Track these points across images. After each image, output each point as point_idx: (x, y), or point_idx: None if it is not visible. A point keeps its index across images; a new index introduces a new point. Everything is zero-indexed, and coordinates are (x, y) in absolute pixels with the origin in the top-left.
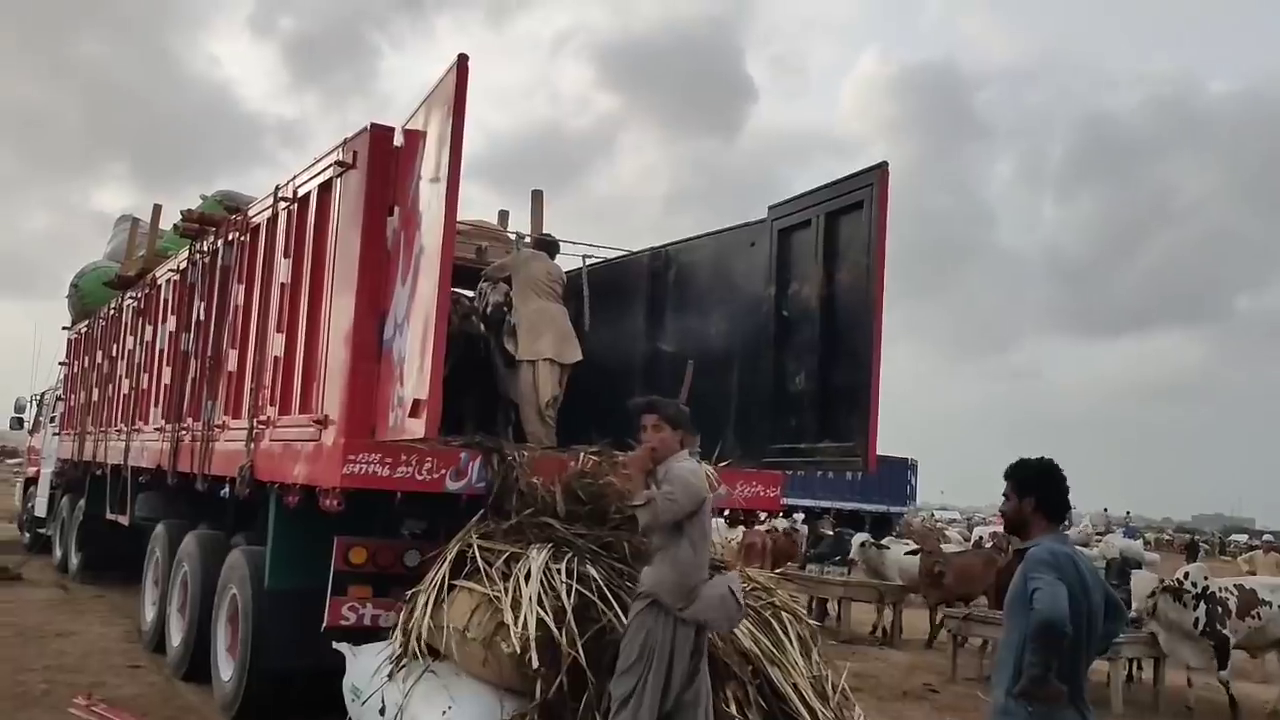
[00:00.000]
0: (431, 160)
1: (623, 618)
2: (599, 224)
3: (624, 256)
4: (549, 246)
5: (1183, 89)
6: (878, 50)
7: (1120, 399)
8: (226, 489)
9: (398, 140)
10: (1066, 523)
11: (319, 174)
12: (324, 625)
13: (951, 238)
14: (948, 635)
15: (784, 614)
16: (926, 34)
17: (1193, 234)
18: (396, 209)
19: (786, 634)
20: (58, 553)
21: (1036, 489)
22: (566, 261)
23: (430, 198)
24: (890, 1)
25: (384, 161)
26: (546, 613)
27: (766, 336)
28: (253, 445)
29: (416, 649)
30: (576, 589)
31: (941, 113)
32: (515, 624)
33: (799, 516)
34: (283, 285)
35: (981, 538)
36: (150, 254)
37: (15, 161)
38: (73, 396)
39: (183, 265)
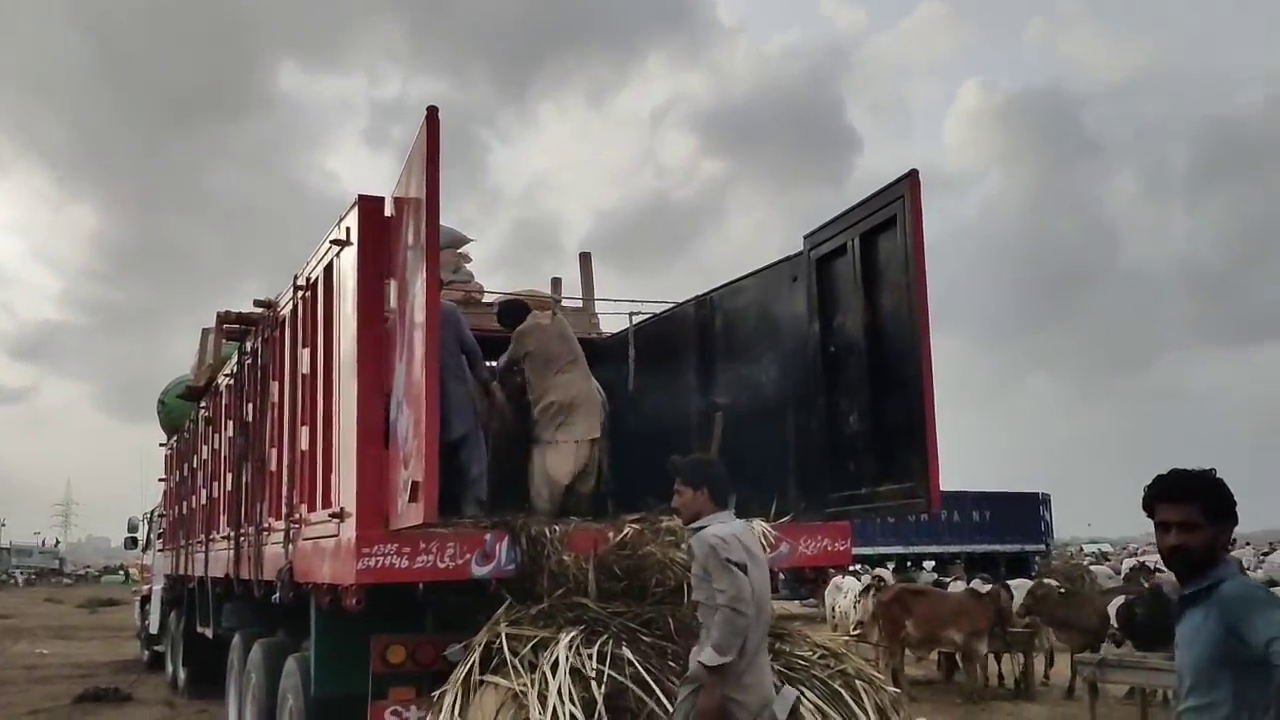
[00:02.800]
0: (414, 226)
1: (665, 703)
2: (711, 286)
3: (670, 310)
4: (519, 310)
5: None
6: (978, 82)
7: (1275, 406)
8: (276, 595)
9: (389, 210)
10: None
11: (322, 256)
12: None
13: (1077, 260)
14: (1082, 683)
15: (858, 682)
16: (1027, 59)
17: None
18: (392, 283)
19: (861, 704)
20: (169, 669)
21: (1230, 513)
22: (615, 321)
23: (415, 267)
24: (986, 32)
25: (376, 234)
26: (576, 706)
27: (816, 376)
28: (290, 546)
29: None
30: (609, 675)
31: (1052, 136)
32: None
33: (928, 565)
34: (304, 376)
35: (1133, 569)
36: (216, 362)
37: (158, 292)
38: (170, 512)
39: (234, 369)
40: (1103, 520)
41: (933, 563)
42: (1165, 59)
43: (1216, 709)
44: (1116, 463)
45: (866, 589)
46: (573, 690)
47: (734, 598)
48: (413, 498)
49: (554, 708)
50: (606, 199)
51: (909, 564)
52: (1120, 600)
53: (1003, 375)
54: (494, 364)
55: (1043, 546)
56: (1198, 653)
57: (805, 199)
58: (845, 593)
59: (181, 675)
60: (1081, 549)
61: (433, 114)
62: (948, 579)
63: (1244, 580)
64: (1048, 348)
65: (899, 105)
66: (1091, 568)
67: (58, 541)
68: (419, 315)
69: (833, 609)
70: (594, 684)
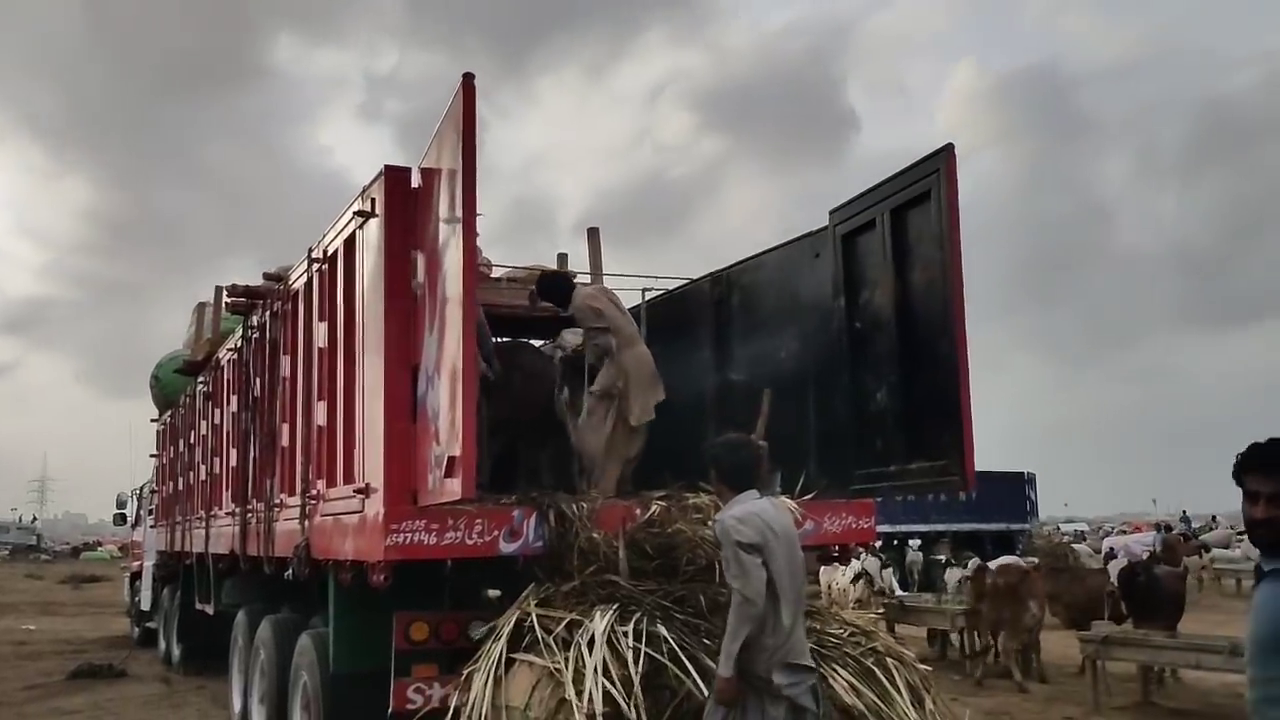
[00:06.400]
0: (446, 197)
1: (700, 682)
2: (708, 265)
3: (684, 286)
4: (565, 283)
5: None
6: (976, 60)
7: (1264, 389)
8: (290, 571)
9: (415, 181)
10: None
11: (343, 228)
12: (389, 710)
13: (1067, 241)
14: (1086, 661)
15: (889, 660)
16: (1025, 38)
17: None
18: (420, 255)
19: (894, 683)
20: (162, 645)
21: None
22: (626, 299)
23: (448, 238)
24: (985, 10)
25: (402, 205)
26: (614, 684)
27: (841, 353)
28: (306, 523)
29: None
30: (646, 652)
31: (1047, 115)
32: (579, 699)
33: (914, 544)
34: (320, 350)
35: (1113, 549)
36: (215, 336)
37: (147, 266)
38: (164, 488)
39: (238, 343)
40: (1079, 500)
41: (919, 541)
42: (1163, 39)
43: (1272, 684)
44: (1094, 444)
45: (858, 577)
46: (609, 667)
47: (744, 587)
48: (449, 473)
49: (590, 687)
50: (604, 176)
51: (895, 542)
52: (1124, 564)
53: (988, 355)
54: (499, 339)
55: (1027, 526)
56: (1262, 638)
57: (802, 180)
58: (841, 571)
59: (176, 651)
60: (1059, 528)
61: (468, 81)
62: (937, 557)
63: None
64: (1033, 328)
65: (897, 84)
66: (1073, 545)
67: (34, 518)
68: (454, 287)
69: (828, 586)
70: (630, 662)
